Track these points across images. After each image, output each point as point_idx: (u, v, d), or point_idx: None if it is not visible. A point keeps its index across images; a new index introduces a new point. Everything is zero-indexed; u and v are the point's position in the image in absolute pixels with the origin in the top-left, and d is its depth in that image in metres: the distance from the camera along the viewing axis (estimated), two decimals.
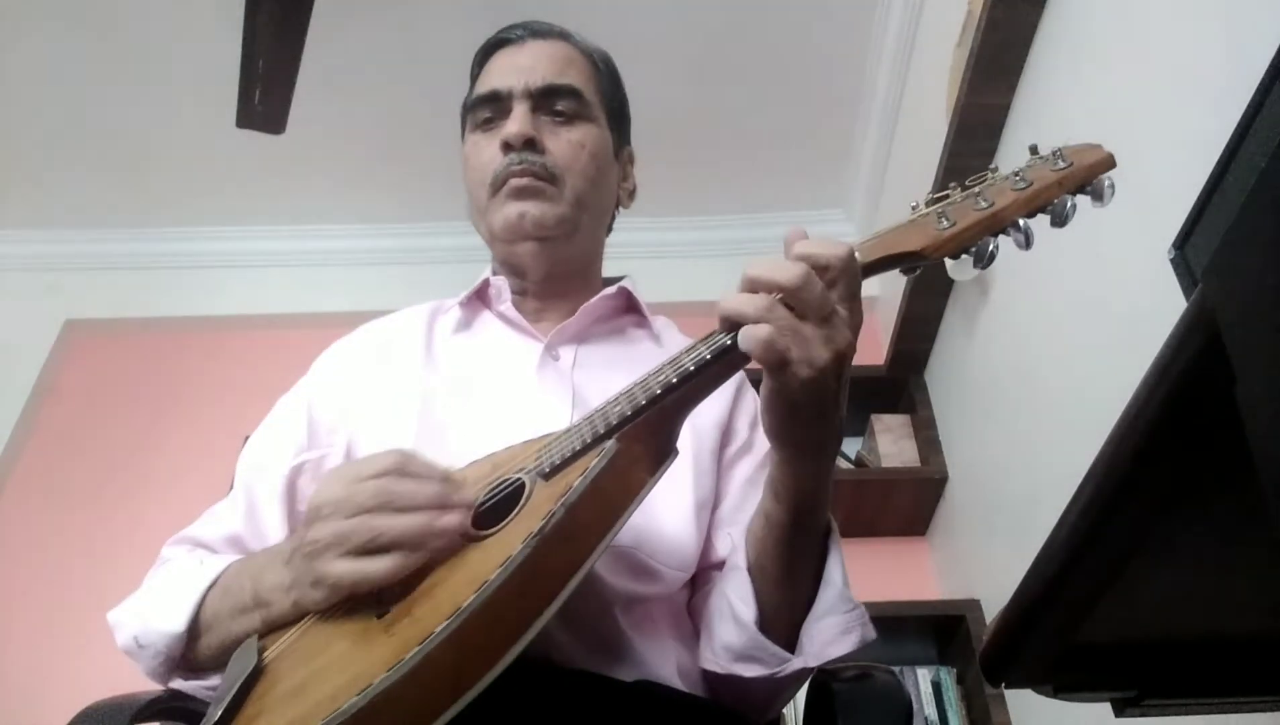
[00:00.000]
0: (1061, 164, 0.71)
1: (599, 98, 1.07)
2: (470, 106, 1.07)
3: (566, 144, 1.01)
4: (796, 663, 0.76)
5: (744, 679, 0.78)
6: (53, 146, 2.64)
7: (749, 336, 0.65)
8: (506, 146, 0.99)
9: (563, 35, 1.09)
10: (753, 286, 0.67)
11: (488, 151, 1.01)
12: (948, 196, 0.73)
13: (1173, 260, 0.99)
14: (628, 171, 1.13)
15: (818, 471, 0.74)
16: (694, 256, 2.80)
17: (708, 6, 2.34)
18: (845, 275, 0.68)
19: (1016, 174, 0.72)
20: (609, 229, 1.14)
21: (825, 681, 0.87)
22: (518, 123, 0.99)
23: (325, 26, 1.88)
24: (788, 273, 0.66)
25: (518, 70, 1.03)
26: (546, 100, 1.02)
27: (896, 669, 1.80)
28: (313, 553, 0.69)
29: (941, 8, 2.06)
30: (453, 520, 0.67)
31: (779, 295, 0.65)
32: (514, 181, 0.98)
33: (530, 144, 0.99)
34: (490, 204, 1.01)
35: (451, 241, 2.70)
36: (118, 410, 2.69)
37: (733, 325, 0.68)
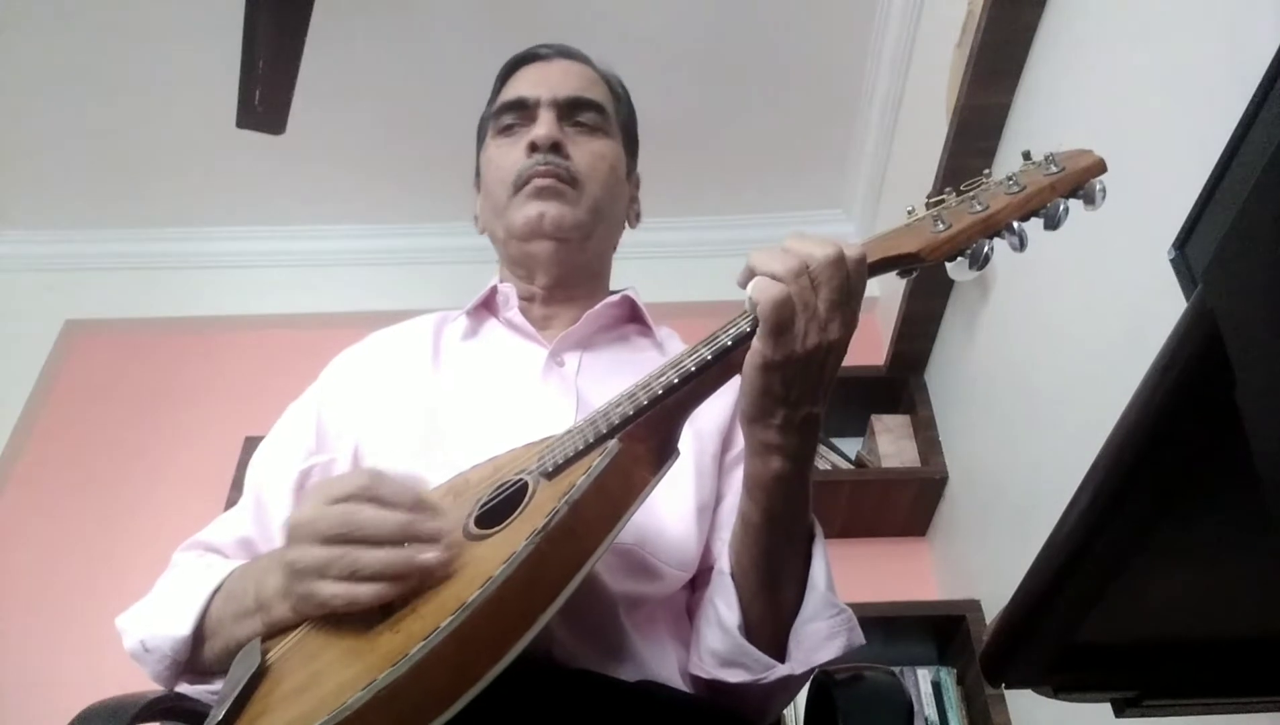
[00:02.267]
0: (1054, 168, 0.73)
1: (617, 119, 1.12)
2: (494, 113, 1.10)
3: (589, 153, 1.05)
4: (782, 669, 0.76)
5: (730, 684, 0.78)
6: (53, 147, 2.64)
7: (763, 288, 0.67)
8: (533, 147, 1.02)
9: (587, 60, 1.13)
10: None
11: (512, 154, 1.04)
12: (943, 200, 0.75)
13: (1173, 260, 0.99)
14: (635, 194, 1.17)
15: (789, 469, 0.74)
16: (694, 256, 2.80)
17: (708, 7, 2.34)
18: (855, 275, 0.70)
19: (1010, 178, 0.74)
20: (615, 248, 1.16)
21: (825, 682, 0.87)
22: (546, 126, 1.03)
23: (325, 26, 1.88)
24: (824, 247, 0.69)
25: (546, 82, 1.07)
26: (572, 111, 1.06)
27: (896, 669, 1.80)
28: (295, 573, 0.69)
29: (941, 8, 2.06)
30: (429, 558, 0.65)
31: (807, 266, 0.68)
32: (537, 181, 1.01)
33: (556, 148, 1.02)
34: (510, 202, 1.03)
35: (451, 242, 2.71)
36: (118, 410, 2.69)
37: (752, 275, 0.69)
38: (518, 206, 1.02)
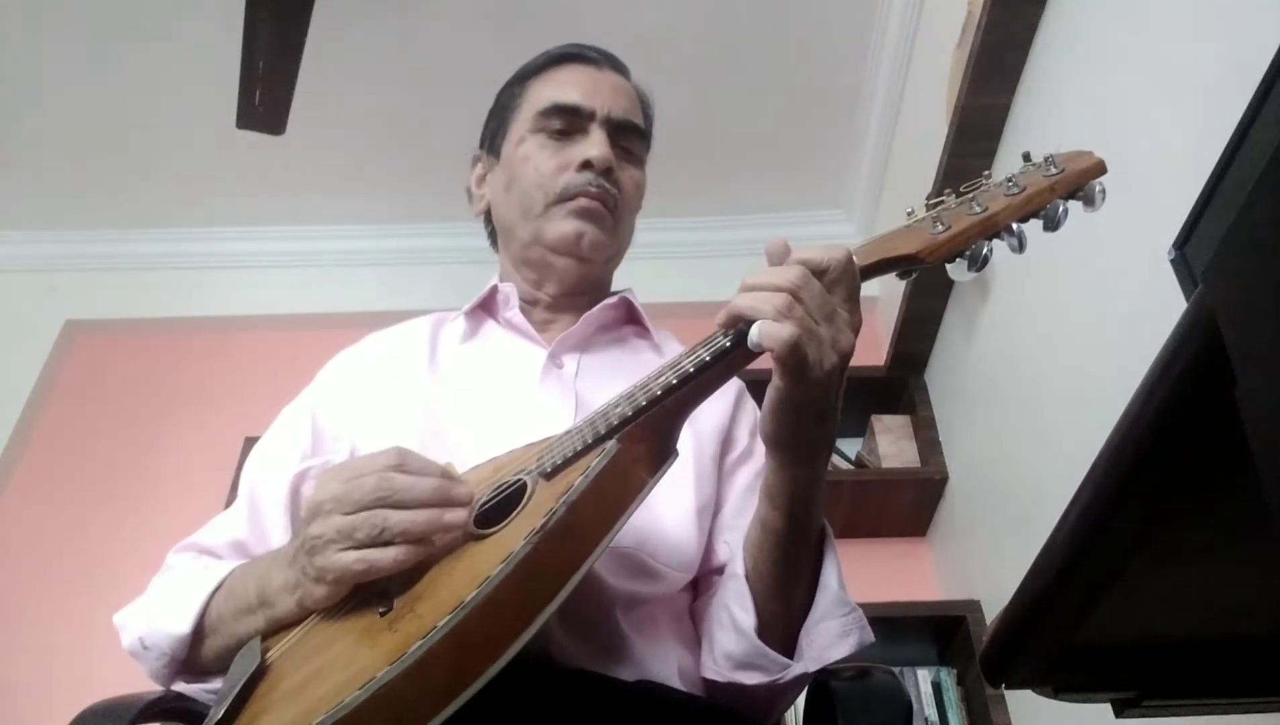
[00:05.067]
0: (1053, 170, 0.73)
1: (647, 140, 1.12)
2: (543, 111, 1.05)
3: (630, 181, 1.06)
4: (796, 668, 0.77)
5: (745, 686, 0.78)
6: (53, 147, 2.64)
7: (772, 335, 0.65)
8: (587, 165, 1.00)
9: (629, 75, 1.13)
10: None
11: (555, 160, 1.02)
12: (943, 202, 0.75)
13: (1173, 260, 0.99)
14: None
15: (811, 475, 0.74)
16: (694, 257, 2.80)
17: (708, 7, 2.34)
18: (845, 277, 0.69)
19: (1010, 180, 0.74)
20: None
21: (825, 682, 0.87)
22: (603, 148, 1.02)
23: (325, 27, 1.88)
24: (786, 275, 0.67)
25: (599, 95, 1.05)
26: (621, 134, 1.05)
27: (897, 669, 1.80)
28: (315, 548, 0.69)
29: (941, 8, 2.06)
30: (458, 516, 0.68)
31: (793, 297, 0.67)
32: (585, 201, 1.00)
33: (608, 172, 1.01)
34: (548, 211, 1.02)
35: (451, 242, 2.70)
36: (118, 411, 2.69)
37: (736, 320, 0.68)
38: (557, 219, 1.01)
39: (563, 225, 1.00)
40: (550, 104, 1.05)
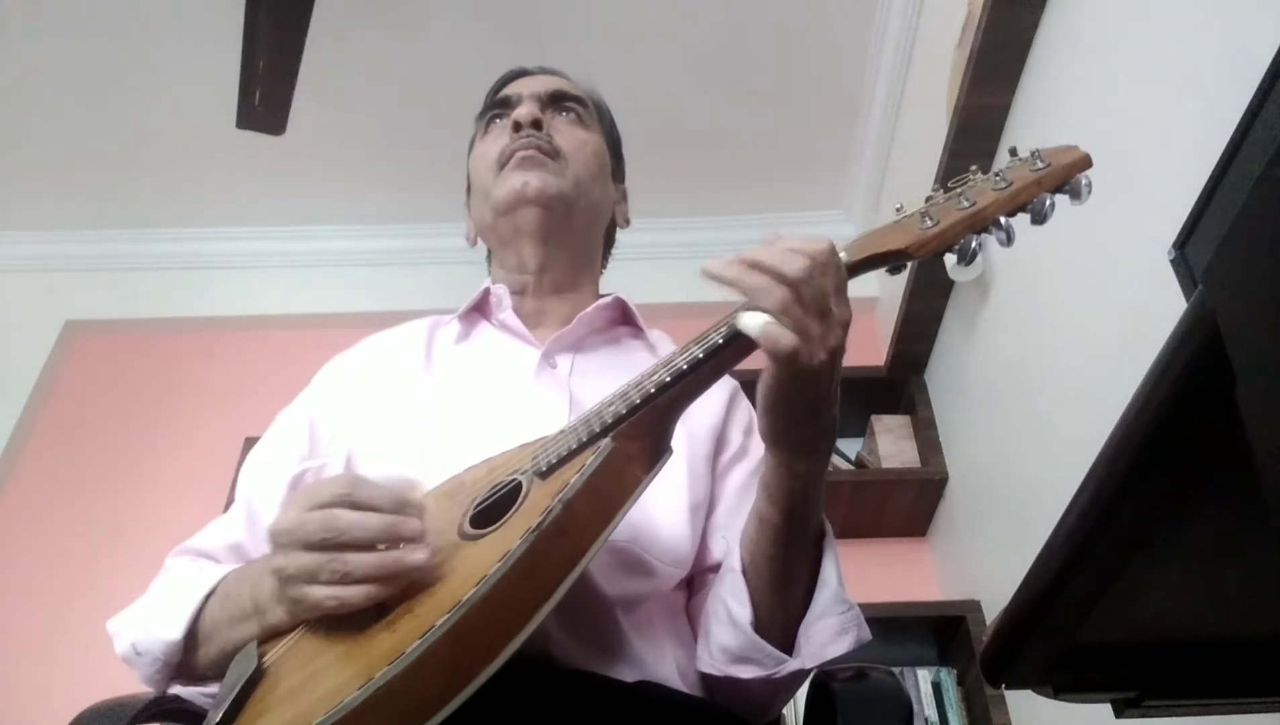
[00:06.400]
0: (1040, 164, 0.74)
1: (599, 123, 1.15)
2: (479, 117, 1.13)
3: (571, 137, 1.08)
4: (793, 664, 0.77)
5: (741, 681, 0.78)
6: (53, 147, 2.64)
7: (768, 335, 0.66)
8: (516, 126, 1.05)
9: (569, 77, 1.17)
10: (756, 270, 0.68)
11: (496, 143, 1.07)
12: (931, 198, 0.76)
13: (1173, 260, 1.00)
14: (621, 202, 1.19)
15: (810, 471, 0.74)
16: (694, 257, 2.76)
17: (709, 7, 2.34)
18: (830, 269, 0.69)
19: (997, 174, 0.75)
20: (606, 254, 1.17)
21: (825, 682, 0.87)
22: (528, 106, 1.06)
23: (325, 27, 1.88)
24: (794, 265, 0.67)
25: (529, 85, 1.12)
26: (555, 103, 1.10)
27: (897, 670, 1.80)
28: (284, 579, 0.69)
29: (941, 8, 2.06)
30: (418, 558, 0.66)
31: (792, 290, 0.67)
32: (520, 154, 1.03)
33: (538, 125, 1.05)
34: (496, 182, 1.05)
35: (450, 242, 2.68)
36: (118, 410, 2.69)
37: (736, 303, 0.68)
38: (502, 181, 1.04)
39: (508, 181, 1.03)
40: (481, 111, 1.13)
